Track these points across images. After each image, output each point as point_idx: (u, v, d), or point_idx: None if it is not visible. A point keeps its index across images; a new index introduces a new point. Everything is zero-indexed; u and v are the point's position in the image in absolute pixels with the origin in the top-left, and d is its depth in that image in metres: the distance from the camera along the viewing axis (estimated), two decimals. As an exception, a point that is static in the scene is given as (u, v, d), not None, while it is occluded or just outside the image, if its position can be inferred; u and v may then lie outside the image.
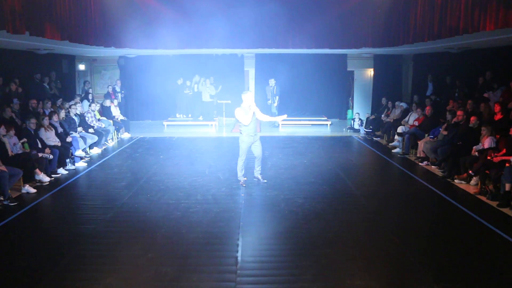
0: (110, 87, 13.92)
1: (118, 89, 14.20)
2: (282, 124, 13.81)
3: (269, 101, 14.06)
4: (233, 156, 9.51)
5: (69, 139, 8.79)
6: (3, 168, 6.41)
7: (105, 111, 11.96)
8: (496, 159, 6.69)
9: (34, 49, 10.65)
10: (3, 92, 9.59)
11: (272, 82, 13.96)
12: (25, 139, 7.66)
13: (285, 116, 7.68)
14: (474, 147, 7.57)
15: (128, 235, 5.27)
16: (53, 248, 4.88)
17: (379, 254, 4.75)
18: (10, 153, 6.98)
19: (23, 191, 6.91)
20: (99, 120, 11.19)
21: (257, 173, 7.49)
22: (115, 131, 11.75)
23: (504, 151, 6.76)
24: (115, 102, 12.88)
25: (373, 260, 4.59)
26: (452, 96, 10.86)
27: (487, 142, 7.29)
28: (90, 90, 13.69)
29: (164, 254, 4.73)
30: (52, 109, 9.63)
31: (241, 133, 7.17)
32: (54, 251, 4.79)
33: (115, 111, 12.57)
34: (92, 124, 10.55)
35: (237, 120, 7.26)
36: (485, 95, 9.56)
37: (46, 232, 5.47)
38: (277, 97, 13.95)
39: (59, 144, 8.43)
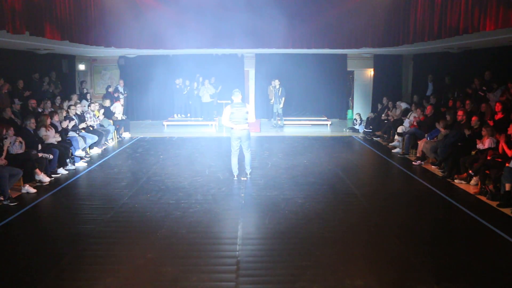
0: (110, 88, 13.89)
1: (121, 89, 14.17)
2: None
3: (272, 101, 13.89)
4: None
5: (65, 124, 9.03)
6: (3, 162, 6.36)
7: (105, 111, 11.95)
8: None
9: (34, 49, 10.65)
10: (1, 92, 9.59)
11: (276, 83, 13.53)
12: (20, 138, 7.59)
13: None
14: (479, 144, 7.50)
15: (128, 235, 5.28)
16: (53, 248, 4.88)
17: (379, 254, 4.74)
18: (4, 154, 6.80)
19: (23, 191, 6.90)
20: (98, 118, 11.18)
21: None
22: (115, 131, 11.75)
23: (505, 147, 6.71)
24: (121, 101, 12.80)
25: (373, 260, 4.58)
26: (451, 96, 10.86)
27: (487, 142, 7.28)
28: (88, 90, 13.68)
29: (164, 254, 4.72)
30: (52, 109, 9.64)
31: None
32: (54, 251, 4.79)
33: (119, 109, 12.48)
34: (91, 124, 10.55)
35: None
36: (480, 93, 9.55)
37: (46, 232, 5.47)
38: (283, 98, 13.55)
39: (60, 139, 8.45)
